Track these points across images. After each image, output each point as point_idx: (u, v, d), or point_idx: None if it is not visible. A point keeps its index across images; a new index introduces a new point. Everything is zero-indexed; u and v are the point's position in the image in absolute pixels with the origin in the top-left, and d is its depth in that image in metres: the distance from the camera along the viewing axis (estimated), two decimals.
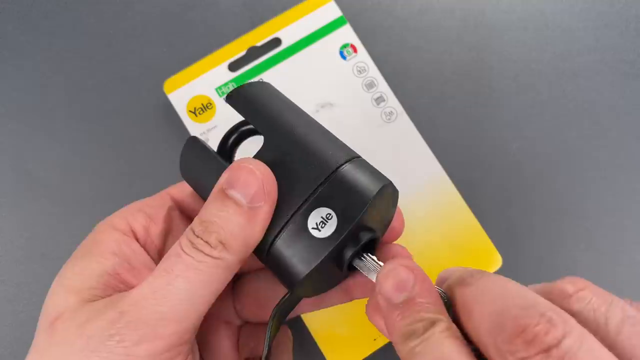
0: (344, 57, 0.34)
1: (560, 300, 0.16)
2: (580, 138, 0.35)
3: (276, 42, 0.34)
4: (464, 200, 0.33)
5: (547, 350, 0.14)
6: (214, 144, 0.33)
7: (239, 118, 0.23)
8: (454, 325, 0.17)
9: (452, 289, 0.18)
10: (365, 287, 0.23)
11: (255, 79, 0.33)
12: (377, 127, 0.33)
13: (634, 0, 0.37)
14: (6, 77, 0.35)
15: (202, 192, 0.23)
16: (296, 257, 0.20)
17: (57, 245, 0.33)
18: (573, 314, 0.15)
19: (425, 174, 0.33)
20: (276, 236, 0.20)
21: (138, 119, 0.35)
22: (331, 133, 0.22)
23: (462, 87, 0.35)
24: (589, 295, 0.16)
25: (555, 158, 0.35)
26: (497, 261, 0.32)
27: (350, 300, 0.24)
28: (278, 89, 0.24)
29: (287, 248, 0.20)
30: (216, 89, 0.33)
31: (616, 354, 0.14)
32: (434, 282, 0.19)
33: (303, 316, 0.31)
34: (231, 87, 0.33)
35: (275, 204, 0.20)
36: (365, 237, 0.21)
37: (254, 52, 0.34)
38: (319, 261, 0.20)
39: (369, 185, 0.20)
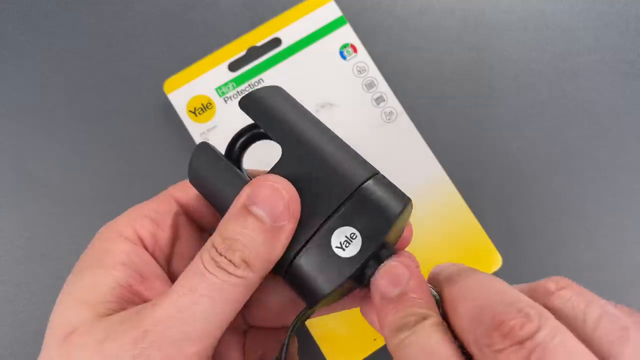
0: (344, 57, 0.34)
1: (542, 298, 0.17)
2: (580, 138, 0.35)
3: (276, 42, 0.34)
4: (464, 200, 0.33)
5: (521, 342, 0.14)
6: (214, 143, 0.33)
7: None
8: (443, 322, 0.17)
9: (441, 287, 0.19)
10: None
11: (255, 79, 0.33)
12: (377, 127, 0.33)
13: (634, 0, 0.37)
14: (6, 77, 0.35)
15: (214, 200, 0.22)
16: (319, 275, 0.20)
17: (57, 245, 0.33)
18: (554, 310, 0.16)
19: (425, 174, 0.33)
20: (297, 253, 0.20)
21: (138, 119, 0.35)
22: (349, 145, 0.22)
23: (462, 87, 0.36)
24: (569, 293, 0.16)
25: (555, 158, 0.35)
26: (497, 261, 0.32)
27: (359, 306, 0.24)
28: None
29: (309, 265, 0.20)
30: (216, 89, 0.33)
31: (592, 350, 0.14)
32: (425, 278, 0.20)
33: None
34: (231, 87, 0.33)
35: (297, 222, 0.20)
36: (385, 254, 0.21)
37: (254, 52, 0.34)
38: (342, 280, 0.20)
39: (391, 205, 0.20)
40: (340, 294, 0.22)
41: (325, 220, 0.20)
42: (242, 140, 0.23)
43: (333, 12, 0.34)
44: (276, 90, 0.23)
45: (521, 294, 0.16)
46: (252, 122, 0.23)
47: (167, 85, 0.33)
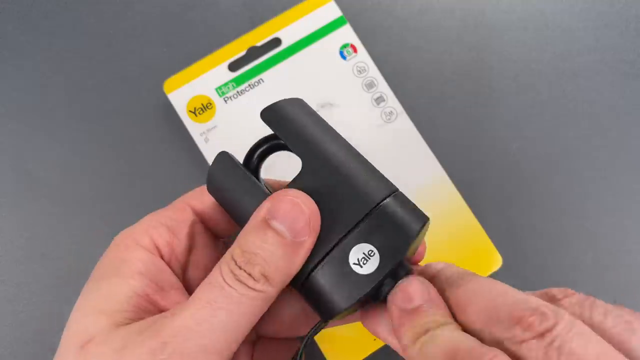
0: (344, 57, 0.34)
1: (549, 301, 0.18)
2: (580, 138, 0.35)
3: (276, 42, 0.34)
4: (464, 200, 0.33)
5: (542, 334, 0.15)
6: (214, 144, 0.33)
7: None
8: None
9: (442, 290, 0.20)
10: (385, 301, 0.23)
11: (255, 79, 0.33)
12: (377, 127, 0.33)
13: (634, 0, 0.37)
14: (6, 77, 0.35)
15: (232, 210, 0.22)
16: (336, 291, 0.20)
17: (57, 245, 0.33)
18: None
19: (425, 174, 0.33)
20: (315, 267, 0.20)
21: (138, 119, 0.35)
22: (368, 160, 0.22)
23: (462, 87, 0.36)
24: (575, 299, 0.17)
25: (555, 158, 0.35)
26: (497, 261, 0.32)
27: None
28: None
29: (326, 281, 0.20)
30: (216, 89, 0.33)
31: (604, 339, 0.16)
32: (417, 274, 0.21)
33: None
34: (231, 87, 0.33)
35: (317, 237, 0.20)
36: (402, 272, 0.21)
37: (254, 52, 0.34)
38: (359, 297, 0.20)
39: (410, 224, 0.21)
40: (355, 309, 0.22)
41: (344, 236, 0.20)
42: (261, 151, 0.23)
43: (333, 12, 0.34)
44: (298, 103, 0.23)
45: (528, 294, 0.17)
46: (272, 132, 0.22)
47: (167, 85, 0.33)
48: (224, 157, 0.22)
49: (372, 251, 0.20)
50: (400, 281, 0.20)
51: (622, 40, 0.36)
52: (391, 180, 0.22)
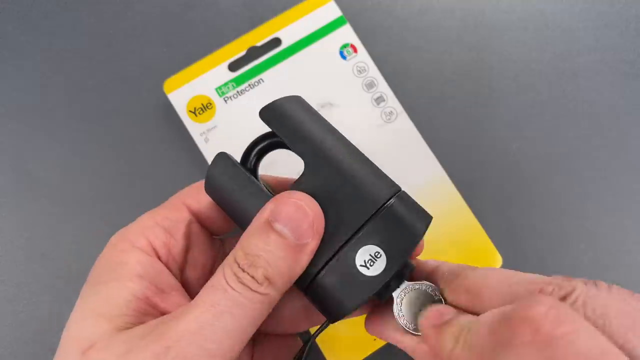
0: (344, 57, 0.34)
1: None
2: (580, 138, 0.35)
3: (276, 42, 0.34)
4: (464, 200, 0.33)
5: (564, 298, 0.16)
6: (214, 144, 0.33)
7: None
8: None
9: (447, 283, 0.20)
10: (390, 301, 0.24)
11: (255, 79, 0.33)
12: (377, 127, 0.33)
13: (634, 0, 0.37)
14: (6, 77, 0.35)
15: (232, 212, 0.22)
16: (343, 293, 0.20)
17: (57, 245, 0.33)
18: None
19: (425, 174, 0.33)
20: (321, 269, 0.20)
21: (138, 119, 0.35)
22: (369, 159, 0.22)
23: (462, 87, 0.36)
24: (580, 279, 0.18)
25: (555, 158, 0.35)
26: (497, 261, 0.32)
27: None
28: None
29: (333, 283, 0.20)
30: (216, 89, 0.33)
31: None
32: (416, 270, 0.22)
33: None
34: (231, 87, 0.33)
35: (320, 239, 0.20)
36: (407, 271, 0.21)
37: (254, 52, 0.34)
38: (366, 297, 0.20)
39: (415, 224, 0.21)
40: (360, 308, 0.22)
41: (349, 238, 0.20)
42: (259, 149, 0.23)
43: (333, 12, 0.34)
44: (297, 101, 0.23)
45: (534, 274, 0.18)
46: (267, 130, 0.22)
47: (167, 85, 0.33)
48: (222, 158, 0.22)
49: (379, 253, 0.20)
50: (429, 307, 0.20)
51: (622, 40, 0.36)
52: (406, 193, 0.22)
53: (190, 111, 0.33)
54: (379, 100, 0.34)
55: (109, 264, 0.22)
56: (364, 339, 0.31)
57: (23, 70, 0.35)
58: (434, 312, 0.20)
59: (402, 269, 0.21)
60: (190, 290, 0.24)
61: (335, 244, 0.20)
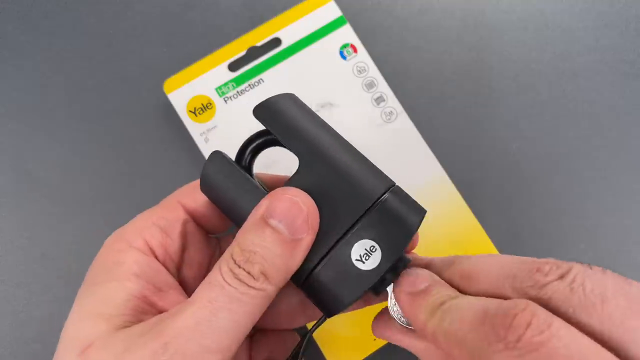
0: (344, 57, 0.34)
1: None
2: (580, 138, 0.35)
3: (276, 42, 0.34)
4: (464, 200, 0.33)
5: (562, 276, 0.17)
6: (214, 144, 0.33)
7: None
8: None
9: (440, 271, 0.21)
10: (384, 294, 0.24)
11: (255, 79, 0.33)
12: (377, 127, 0.33)
13: (634, 0, 0.37)
14: (6, 77, 0.35)
15: (228, 210, 0.22)
16: (339, 287, 0.20)
17: (57, 245, 0.33)
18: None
19: (425, 174, 0.33)
20: (317, 264, 0.20)
21: (138, 119, 0.35)
22: (363, 155, 0.22)
23: (462, 87, 0.36)
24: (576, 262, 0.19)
25: (555, 158, 0.35)
26: None
27: (366, 307, 0.25)
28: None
29: (329, 277, 0.20)
30: (216, 89, 0.33)
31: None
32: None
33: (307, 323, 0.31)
34: (231, 87, 0.33)
35: (316, 235, 0.20)
36: (402, 264, 0.21)
37: (254, 52, 0.34)
38: (362, 291, 0.20)
39: (410, 218, 0.21)
40: (355, 302, 0.23)
41: (345, 233, 0.20)
42: (253, 146, 0.23)
43: (333, 12, 0.34)
44: (290, 99, 0.23)
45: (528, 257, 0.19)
46: (263, 128, 0.22)
47: (167, 85, 0.33)
48: (217, 157, 0.22)
49: (374, 247, 0.20)
50: (403, 272, 0.21)
51: (622, 40, 0.36)
52: (400, 188, 0.22)
53: (190, 111, 0.33)
54: (379, 100, 0.34)
55: (105, 264, 0.22)
56: (364, 339, 0.31)
57: (23, 70, 0.35)
58: (409, 277, 0.20)
59: (397, 262, 0.21)
60: (188, 289, 0.24)
61: (330, 239, 0.20)
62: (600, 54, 0.36)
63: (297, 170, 0.21)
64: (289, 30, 0.34)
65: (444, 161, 0.33)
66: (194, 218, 0.24)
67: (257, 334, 0.26)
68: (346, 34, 0.34)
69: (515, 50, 0.36)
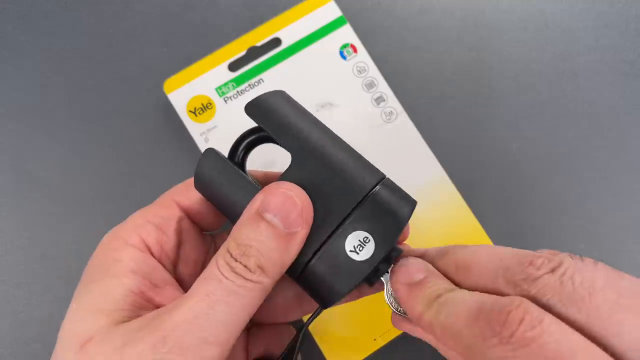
0: (344, 57, 0.34)
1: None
2: (580, 138, 0.35)
3: (276, 42, 0.34)
4: (464, 200, 0.33)
5: (553, 270, 0.17)
6: (214, 144, 0.33)
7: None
8: None
9: (434, 261, 0.21)
10: (379, 285, 0.24)
11: (255, 79, 0.33)
12: (377, 127, 0.33)
13: (634, 0, 0.37)
14: (6, 77, 0.35)
15: (223, 206, 0.22)
16: (334, 278, 0.21)
17: (57, 245, 0.33)
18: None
19: (425, 174, 0.33)
20: (312, 257, 0.21)
21: (138, 119, 0.35)
22: (354, 148, 0.23)
23: (462, 87, 0.36)
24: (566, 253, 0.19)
25: (555, 158, 0.35)
26: None
27: (360, 298, 0.25)
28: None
29: (324, 270, 0.21)
30: (216, 89, 0.33)
31: None
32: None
33: (303, 316, 0.31)
34: (231, 87, 0.33)
35: (310, 228, 0.21)
36: (394, 254, 0.22)
37: (254, 52, 0.34)
38: (357, 282, 0.21)
39: (401, 209, 0.21)
40: (350, 293, 0.23)
41: (338, 226, 0.21)
42: (246, 143, 0.23)
43: (333, 12, 0.34)
44: (281, 95, 0.23)
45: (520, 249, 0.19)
46: (255, 124, 0.23)
47: (167, 85, 0.33)
48: (211, 154, 0.22)
49: (367, 238, 0.21)
50: (398, 262, 0.21)
51: (622, 40, 0.36)
52: (391, 180, 0.22)
53: (190, 111, 0.33)
54: (379, 100, 0.34)
55: (102, 262, 0.22)
56: (364, 339, 0.31)
57: (23, 70, 0.35)
58: (405, 268, 0.21)
59: (390, 252, 0.21)
60: (184, 286, 0.24)
61: (324, 232, 0.21)
62: (600, 54, 0.36)
63: (290, 165, 0.22)
64: (289, 30, 0.34)
65: (444, 161, 0.33)
66: (189, 215, 0.25)
67: (254, 327, 0.27)
68: (346, 34, 0.34)
69: (515, 50, 0.36)
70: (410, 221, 0.23)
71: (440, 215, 0.32)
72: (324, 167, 0.21)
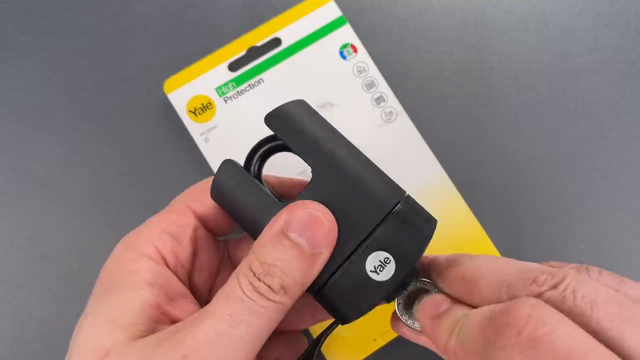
0: (344, 57, 0.34)
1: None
2: (580, 138, 0.35)
3: (276, 42, 0.34)
4: (464, 200, 0.33)
5: (555, 285, 0.17)
6: (214, 144, 0.33)
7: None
8: None
9: (441, 272, 0.21)
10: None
11: (255, 79, 0.33)
12: (377, 127, 0.33)
13: (634, 0, 0.37)
14: (6, 77, 0.35)
15: (241, 218, 0.22)
16: (354, 297, 0.21)
17: (57, 245, 0.33)
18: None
19: (425, 174, 0.33)
20: (332, 275, 0.21)
21: (138, 119, 0.35)
22: (374, 162, 0.22)
23: (462, 87, 0.35)
24: (572, 265, 0.20)
25: (555, 158, 0.35)
26: None
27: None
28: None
29: (344, 288, 0.21)
30: (216, 89, 0.33)
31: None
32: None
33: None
34: (231, 87, 0.33)
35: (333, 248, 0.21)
36: (413, 274, 0.22)
37: (254, 52, 0.34)
38: (376, 302, 0.21)
39: (422, 230, 0.21)
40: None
41: (359, 244, 0.21)
42: (262, 152, 0.23)
43: (333, 12, 0.34)
44: (301, 105, 0.23)
45: (527, 262, 0.20)
46: (271, 133, 0.22)
47: (167, 85, 0.33)
48: (229, 165, 0.22)
49: (388, 258, 0.21)
50: (424, 298, 0.22)
51: (622, 40, 0.36)
52: (411, 197, 0.22)
53: (190, 111, 0.33)
54: (379, 100, 0.34)
55: (117, 273, 0.21)
56: (364, 339, 0.31)
57: (23, 70, 0.35)
58: (429, 303, 0.21)
59: (411, 271, 0.21)
60: (197, 294, 0.24)
61: (345, 250, 0.21)
62: (600, 54, 0.36)
63: (311, 180, 0.21)
64: (289, 30, 0.34)
65: (444, 161, 0.33)
66: (203, 222, 0.24)
67: None
68: (346, 34, 0.34)
69: (515, 50, 0.36)
70: None
71: (440, 216, 0.32)
72: (346, 184, 0.21)
